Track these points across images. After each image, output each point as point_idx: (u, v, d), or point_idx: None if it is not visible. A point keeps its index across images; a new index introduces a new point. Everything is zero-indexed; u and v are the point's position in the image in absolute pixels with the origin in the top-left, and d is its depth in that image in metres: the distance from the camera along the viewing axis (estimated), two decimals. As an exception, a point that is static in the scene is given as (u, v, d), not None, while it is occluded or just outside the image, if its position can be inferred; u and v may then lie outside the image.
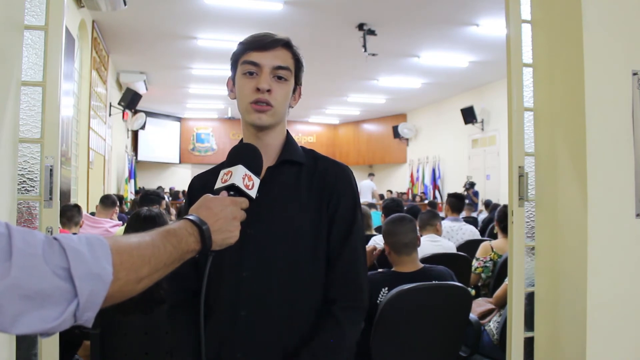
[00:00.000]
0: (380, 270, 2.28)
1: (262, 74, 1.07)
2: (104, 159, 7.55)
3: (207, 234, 0.84)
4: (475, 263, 3.15)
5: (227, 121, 14.71)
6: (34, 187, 1.50)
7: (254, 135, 1.13)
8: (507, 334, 1.79)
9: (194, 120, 15.01)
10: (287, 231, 1.09)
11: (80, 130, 6.05)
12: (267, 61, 1.08)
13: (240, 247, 1.02)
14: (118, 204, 4.51)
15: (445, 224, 4.08)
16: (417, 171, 13.13)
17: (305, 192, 1.12)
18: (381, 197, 11.28)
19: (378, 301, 1.96)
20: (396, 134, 13.66)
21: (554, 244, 1.75)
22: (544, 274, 1.78)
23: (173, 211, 5.55)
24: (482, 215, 6.93)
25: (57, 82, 1.50)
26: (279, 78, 1.09)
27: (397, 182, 14.14)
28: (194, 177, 1.25)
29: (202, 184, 1.16)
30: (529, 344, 1.78)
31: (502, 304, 2.60)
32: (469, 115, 10.26)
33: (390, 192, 12.20)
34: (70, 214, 3.38)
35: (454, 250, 3.35)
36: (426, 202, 9.35)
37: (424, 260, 2.54)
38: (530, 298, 1.79)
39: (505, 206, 2.95)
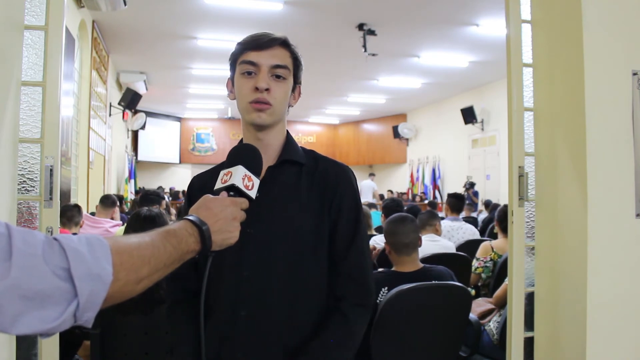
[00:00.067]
0: (380, 270, 2.28)
1: (260, 74, 1.08)
2: (104, 159, 7.55)
3: (207, 235, 0.84)
4: (475, 263, 3.15)
5: (227, 121, 14.71)
6: (34, 187, 1.50)
7: (254, 135, 1.13)
8: (507, 334, 1.79)
9: (194, 120, 15.01)
10: (287, 231, 1.10)
11: (80, 130, 6.05)
12: (264, 60, 1.08)
13: (241, 247, 1.02)
14: (118, 204, 4.51)
15: (446, 224, 4.09)
16: (417, 171, 13.13)
17: (305, 192, 1.12)
18: (381, 197, 11.28)
19: (378, 301, 1.96)
20: (396, 134, 13.66)
21: (554, 244, 1.75)
22: (544, 274, 1.78)
23: (173, 211, 5.55)
24: (482, 215, 6.93)
25: (57, 82, 1.50)
26: (277, 77, 1.09)
27: (397, 182, 14.14)
28: (194, 177, 1.25)
29: (202, 184, 1.16)
30: (529, 344, 1.78)
31: (502, 304, 2.60)
32: (469, 115, 10.26)
33: (391, 192, 12.19)
34: (70, 214, 3.38)
35: (454, 250, 3.35)
36: (426, 202, 9.35)
37: (424, 260, 2.54)
38: (530, 298, 1.79)
39: (505, 206, 2.95)
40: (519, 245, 1.77)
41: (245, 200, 0.94)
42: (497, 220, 3.24)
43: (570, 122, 1.68)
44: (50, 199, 1.49)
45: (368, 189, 11.76)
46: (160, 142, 13.99)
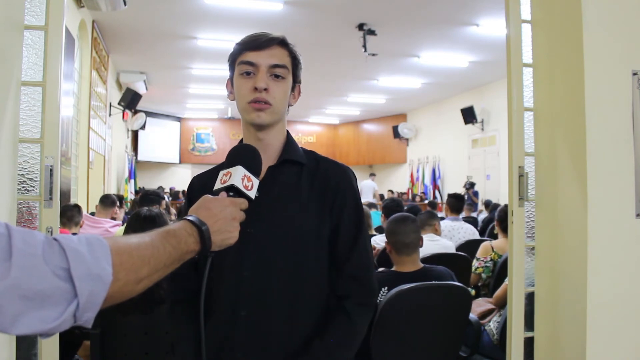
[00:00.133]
0: (380, 269, 2.29)
1: (259, 73, 1.08)
2: (104, 159, 7.55)
3: (206, 235, 0.84)
4: (475, 263, 3.15)
5: (227, 121, 14.71)
6: (34, 187, 1.50)
7: (254, 135, 1.13)
8: (507, 334, 1.79)
9: (194, 120, 15.01)
10: (287, 231, 1.10)
11: (80, 130, 6.05)
12: (263, 60, 1.08)
13: (241, 247, 1.02)
14: (118, 203, 4.51)
15: (446, 224, 4.10)
16: (417, 171, 13.13)
17: (306, 192, 1.12)
18: (381, 197, 11.28)
19: (378, 301, 1.96)
20: (396, 134, 13.66)
21: (554, 244, 1.75)
22: (544, 274, 1.78)
23: (173, 211, 5.55)
24: (482, 215, 6.93)
25: (57, 82, 1.50)
26: (276, 76, 1.09)
27: (397, 182, 14.14)
28: (194, 177, 1.25)
29: (202, 185, 1.16)
30: (529, 344, 1.78)
31: (502, 304, 2.60)
32: (469, 115, 10.26)
33: (392, 192, 12.19)
34: (70, 214, 3.38)
35: (454, 250, 3.36)
36: (426, 202, 9.35)
37: (424, 260, 2.54)
38: (530, 298, 1.79)
39: (505, 206, 2.95)
40: (519, 245, 1.77)
41: (244, 200, 0.94)
42: (497, 220, 3.24)
43: (570, 122, 1.68)
44: (50, 199, 1.49)
45: (369, 189, 11.75)
46: (160, 142, 13.99)
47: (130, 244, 0.72)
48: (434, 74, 9.35)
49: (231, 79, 1.15)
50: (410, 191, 12.97)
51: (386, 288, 1.99)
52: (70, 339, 2.15)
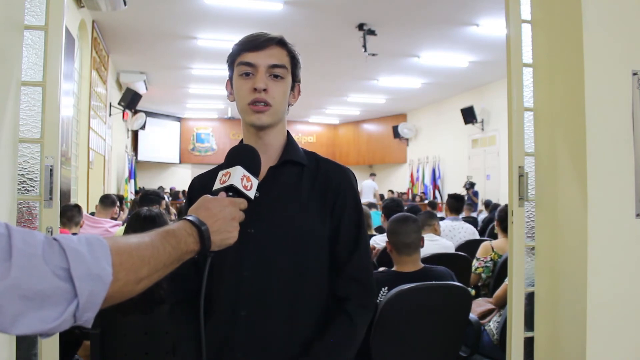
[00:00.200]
0: (380, 269, 2.29)
1: (257, 74, 1.08)
2: (104, 159, 7.55)
3: (206, 235, 0.84)
4: (475, 263, 3.15)
5: (227, 121, 14.71)
6: (34, 187, 1.50)
7: (254, 136, 1.13)
8: (507, 334, 1.79)
9: (194, 120, 15.01)
10: (287, 231, 1.10)
11: (80, 130, 6.05)
12: (261, 61, 1.08)
13: (241, 247, 1.02)
14: (119, 203, 4.51)
15: (446, 224, 4.10)
16: (417, 171, 13.13)
17: (306, 192, 1.12)
18: (381, 197, 11.28)
19: (378, 301, 1.96)
20: (396, 134, 13.66)
21: (554, 244, 1.75)
22: (544, 274, 1.78)
23: (173, 211, 5.55)
24: (482, 215, 6.93)
25: (57, 82, 1.50)
26: (275, 77, 1.09)
27: (397, 182, 14.14)
28: (194, 177, 1.25)
29: (202, 185, 1.16)
30: (529, 344, 1.78)
31: (502, 304, 2.60)
32: (469, 115, 10.26)
33: (392, 192, 12.19)
34: (70, 214, 3.38)
35: (453, 249, 3.36)
36: (426, 202, 9.35)
37: (423, 260, 2.54)
38: (530, 298, 1.79)
39: (505, 206, 2.95)
40: (519, 245, 1.77)
41: (244, 200, 0.95)
42: (497, 220, 3.24)
43: (570, 122, 1.68)
44: (50, 199, 1.49)
45: (369, 189, 11.75)
46: (160, 142, 13.99)
47: (130, 244, 0.72)
48: (434, 74, 9.35)
49: (230, 79, 1.15)
50: (410, 191, 12.97)
51: (386, 288, 1.99)
52: (70, 339, 2.15)
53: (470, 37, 6.94)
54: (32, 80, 1.50)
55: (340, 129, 16.27)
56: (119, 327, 1.82)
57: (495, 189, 9.74)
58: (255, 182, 0.98)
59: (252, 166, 1.00)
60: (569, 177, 1.68)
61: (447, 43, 7.35)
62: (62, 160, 3.69)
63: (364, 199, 9.83)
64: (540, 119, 1.80)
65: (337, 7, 6.03)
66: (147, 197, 4.07)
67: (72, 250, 0.63)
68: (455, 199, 4.52)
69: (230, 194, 0.94)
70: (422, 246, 2.16)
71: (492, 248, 3.13)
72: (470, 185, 9.28)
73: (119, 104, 8.56)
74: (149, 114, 12.12)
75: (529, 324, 1.79)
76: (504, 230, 3.07)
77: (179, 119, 14.84)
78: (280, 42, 1.12)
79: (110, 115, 8.27)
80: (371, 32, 6.56)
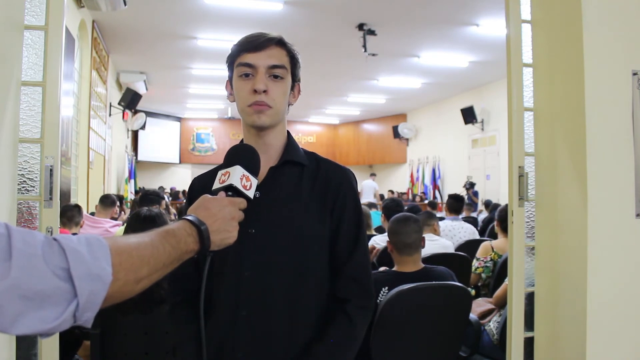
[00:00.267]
0: (381, 269, 2.29)
1: (257, 75, 1.07)
2: (104, 159, 7.55)
3: (205, 234, 0.84)
4: (475, 263, 3.15)
5: (227, 121, 14.71)
6: (34, 187, 1.50)
7: (254, 136, 1.13)
8: (507, 334, 1.79)
9: (194, 120, 15.01)
10: (288, 231, 1.10)
11: (80, 130, 6.05)
12: (261, 61, 1.08)
13: (241, 247, 1.02)
14: (118, 203, 4.51)
15: (446, 223, 4.10)
16: (417, 171, 13.13)
17: (307, 193, 1.12)
18: (381, 197, 11.27)
19: (378, 301, 1.96)
20: (396, 134, 13.66)
21: (554, 244, 1.75)
22: (544, 274, 1.78)
23: (173, 211, 5.55)
24: (482, 215, 6.93)
25: (57, 82, 1.50)
26: (275, 77, 1.09)
27: (397, 182, 14.14)
28: (195, 178, 1.25)
29: (203, 185, 1.16)
30: (529, 344, 1.78)
31: (502, 304, 2.60)
32: (469, 115, 10.26)
33: (392, 192, 12.19)
34: (70, 214, 3.38)
35: (453, 249, 3.36)
36: (426, 202, 9.35)
37: (423, 260, 2.54)
38: (530, 298, 1.79)
39: (505, 206, 2.95)
40: (519, 245, 1.77)
41: (243, 200, 0.95)
42: (498, 220, 3.24)
43: (570, 122, 1.68)
44: (50, 199, 1.49)
45: (369, 189, 11.75)
46: (160, 142, 13.99)
47: (130, 243, 0.72)
48: (434, 74, 9.35)
49: (230, 80, 1.15)
50: (410, 191, 12.97)
51: (386, 288, 1.99)
52: (70, 339, 2.16)
53: (470, 37, 6.94)
54: (32, 80, 1.50)
55: (340, 129, 16.27)
56: (119, 327, 1.82)
57: (495, 189, 9.74)
58: (254, 181, 0.98)
59: (252, 166, 1.00)
60: (569, 177, 1.68)
61: (447, 43, 7.35)
62: (62, 160, 3.69)
63: (365, 199, 9.82)
64: (540, 119, 1.80)
65: (337, 7, 6.03)
66: (147, 197, 4.07)
67: (72, 250, 0.63)
68: (455, 199, 4.53)
69: (229, 193, 0.94)
70: (423, 246, 2.16)
71: (492, 248, 3.13)
72: (470, 185, 9.28)
73: (119, 104, 8.56)
74: (149, 114, 12.13)
75: (529, 324, 1.79)
76: (504, 230, 3.07)
77: (179, 119, 14.84)
78: (280, 42, 1.11)
79: (110, 115, 8.27)
80: (371, 32, 6.56)
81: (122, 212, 4.89)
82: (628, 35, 1.65)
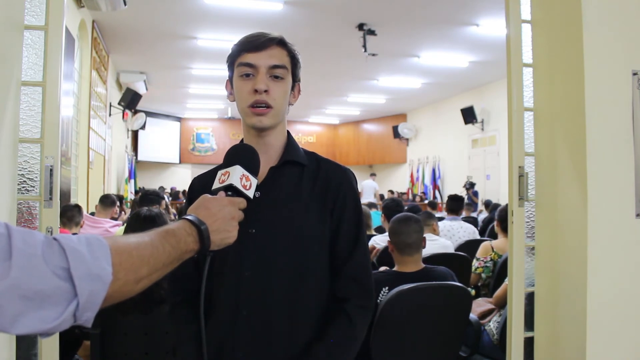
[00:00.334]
0: (381, 269, 2.29)
1: (258, 75, 1.07)
2: (104, 159, 7.55)
3: (205, 234, 0.84)
4: (475, 263, 3.15)
5: (227, 121, 14.71)
6: (34, 187, 1.50)
7: (255, 136, 1.13)
8: (507, 334, 1.79)
9: (194, 120, 15.01)
10: (288, 231, 1.10)
11: (80, 130, 6.05)
12: (262, 61, 1.08)
13: (242, 247, 1.02)
14: (118, 203, 4.51)
15: (445, 224, 4.11)
16: (417, 171, 13.13)
17: (307, 193, 1.12)
18: (381, 197, 11.27)
19: (378, 301, 1.96)
20: (396, 134, 13.66)
21: (554, 244, 1.75)
22: (544, 274, 1.78)
23: (172, 211, 5.55)
24: (482, 215, 6.93)
25: (57, 82, 1.50)
26: (276, 77, 1.09)
27: (397, 182, 14.14)
28: (195, 177, 1.25)
29: (202, 185, 1.16)
30: (529, 344, 1.78)
31: (502, 304, 2.60)
32: (469, 115, 10.26)
33: (392, 192, 12.19)
34: (70, 214, 3.38)
35: (452, 249, 3.36)
36: (426, 202, 9.35)
37: (424, 260, 2.54)
38: (530, 298, 1.79)
39: (505, 206, 2.95)
40: (519, 245, 1.77)
41: (243, 200, 0.95)
42: (497, 220, 3.24)
43: (570, 122, 1.68)
44: (50, 199, 1.49)
45: (370, 189, 11.75)
46: (160, 142, 13.99)
47: (130, 243, 0.72)
48: (434, 74, 9.35)
49: (230, 79, 1.15)
50: (410, 191, 12.97)
51: (387, 288, 1.99)
52: (70, 339, 2.16)
53: (470, 37, 6.94)
54: (32, 80, 1.50)
55: (340, 129, 16.27)
56: (119, 327, 1.82)
57: (495, 189, 9.74)
58: (254, 181, 0.98)
59: (251, 166, 1.00)
60: (569, 177, 1.68)
61: (447, 43, 7.35)
62: (62, 160, 3.69)
63: (365, 199, 9.82)
64: (540, 119, 1.80)
65: (337, 7, 6.03)
66: (147, 197, 4.07)
67: (72, 250, 0.63)
68: (453, 199, 4.55)
69: (229, 193, 0.94)
70: (424, 247, 2.16)
71: (492, 248, 3.13)
72: (470, 185, 9.28)
73: (119, 104, 8.56)
74: (149, 114, 12.13)
75: (529, 324, 1.79)
76: (504, 230, 3.07)
77: (179, 119, 14.84)
78: (281, 42, 1.11)
79: (110, 115, 8.27)
80: (371, 32, 6.56)
81: (122, 212, 4.89)
82: (628, 35, 1.65)
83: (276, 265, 1.08)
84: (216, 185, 0.97)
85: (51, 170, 1.48)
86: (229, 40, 6.32)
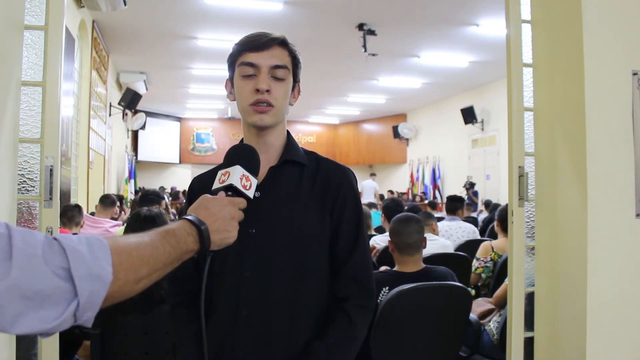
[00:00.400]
0: (382, 269, 2.29)
1: (260, 75, 1.07)
2: (104, 159, 7.55)
3: (205, 234, 0.84)
4: (475, 263, 3.15)
5: (227, 121, 14.71)
6: (34, 187, 1.50)
7: (255, 136, 1.13)
8: (507, 334, 1.79)
9: (194, 120, 15.01)
10: (288, 231, 1.10)
11: (80, 130, 6.05)
12: (264, 61, 1.08)
13: (242, 247, 1.02)
14: (118, 203, 4.51)
15: (443, 224, 4.11)
16: (417, 171, 13.13)
17: (307, 192, 1.12)
18: (381, 197, 11.27)
19: (378, 301, 1.96)
20: (396, 134, 13.66)
21: (554, 244, 1.75)
22: (544, 274, 1.78)
23: (172, 211, 5.55)
24: (482, 215, 6.93)
25: (57, 82, 1.50)
26: (278, 77, 1.09)
27: (397, 182, 14.14)
28: (195, 177, 1.25)
29: (202, 185, 1.16)
30: (529, 344, 1.78)
31: (502, 304, 2.60)
32: (469, 115, 10.26)
33: (391, 192, 12.19)
34: (71, 214, 3.38)
35: (452, 249, 3.36)
36: (426, 202, 9.35)
37: (424, 260, 2.54)
38: (530, 298, 1.79)
39: (505, 206, 2.95)
40: (519, 245, 1.77)
41: (243, 200, 0.95)
42: (498, 220, 3.24)
43: (570, 122, 1.68)
44: (50, 199, 1.49)
45: (370, 189, 11.75)
46: (160, 142, 13.99)
47: (130, 243, 0.72)
48: (434, 74, 9.35)
49: (231, 79, 1.15)
50: (410, 191, 12.97)
51: (387, 288, 1.99)
52: (70, 339, 2.15)
53: (470, 37, 6.94)
54: (32, 80, 1.50)
55: (340, 129, 16.27)
56: (119, 327, 1.82)
57: (495, 189, 9.74)
58: (254, 181, 0.98)
59: (251, 166, 1.00)
60: (569, 177, 1.68)
61: (447, 43, 7.35)
62: (62, 160, 3.69)
63: (365, 199, 9.83)
64: (540, 119, 1.80)
65: (337, 7, 6.03)
66: (147, 197, 4.07)
67: (72, 250, 0.63)
68: (452, 200, 4.56)
69: (229, 193, 0.94)
70: (425, 247, 2.16)
71: (492, 248, 3.13)
72: (470, 185, 9.28)
73: (119, 104, 8.56)
74: (149, 114, 12.12)
75: (529, 324, 1.79)
76: (504, 230, 3.07)
77: (179, 119, 14.84)
78: (282, 43, 1.11)
79: (110, 115, 8.27)
80: (371, 32, 6.56)
81: (122, 212, 4.89)
82: (628, 35, 1.65)
83: (276, 265, 1.08)
84: (216, 185, 0.97)
85: (51, 170, 1.48)
86: (229, 40, 6.33)
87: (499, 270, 2.96)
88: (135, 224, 2.09)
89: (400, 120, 13.85)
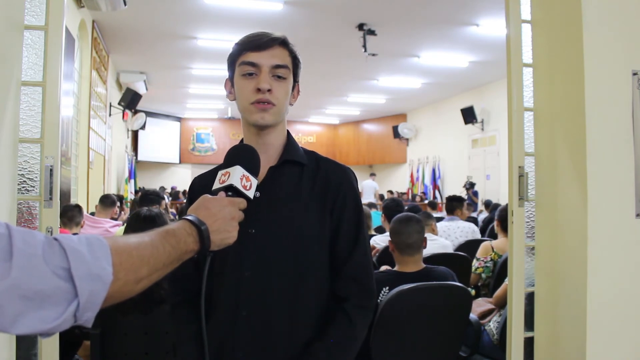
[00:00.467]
0: (382, 269, 2.29)
1: (261, 74, 1.07)
2: (104, 159, 7.55)
3: (205, 234, 0.84)
4: (475, 263, 3.15)
5: (227, 121, 14.71)
6: (34, 187, 1.50)
7: (255, 135, 1.13)
8: (507, 334, 1.79)
9: (194, 120, 15.02)
10: (288, 231, 1.10)
11: (80, 130, 6.05)
12: (265, 61, 1.08)
13: (242, 247, 1.02)
14: (118, 203, 4.51)
15: (442, 224, 4.11)
16: (417, 171, 13.13)
17: (307, 192, 1.12)
18: (381, 197, 11.27)
19: (378, 301, 1.96)
20: (396, 134, 13.66)
21: (554, 244, 1.75)
22: (544, 274, 1.78)
23: (172, 211, 5.55)
24: (482, 215, 6.93)
25: (57, 82, 1.50)
26: (278, 77, 1.09)
27: (397, 182, 14.14)
28: (195, 177, 1.25)
29: (203, 185, 1.16)
30: (529, 344, 1.78)
31: (502, 304, 2.60)
32: (469, 115, 10.26)
33: (391, 192, 12.19)
34: (71, 214, 3.38)
35: (451, 249, 3.36)
36: (426, 202, 9.35)
37: (424, 260, 2.54)
38: (530, 298, 1.79)
39: (506, 206, 2.95)
40: (519, 245, 1.77)
41: (243, 200, 0.95)
42: (498, 220, 3.24)
43: (570, 122, 1.68)
44: (50, 199, 1.49)
45: (370, 189, 11.75)
46: (160, 142, 13.99)
47: (130, 243, 0.72)
48: (434, 74, 9.35)
49: (231, 79, 1.15)
50: (410, 191, 12.97)
51: (387, 288, 1.99)
52: (70, 339, 2.15)
53: (470, 37, 6.94)
54: (32, 80, 1.50)
55: (340, 129, 16.27)
56: (119, 327, 1.82)
57: (495, 189, 9.74)
58: (254, 181, 0.98)
59: (252, 166, 1.00)
60: (569, 177, 1.68)
61: (447, 43, 7.35)
62: (62, 160, 3.69)
63: (365, 199, 9.83)
64: (540, 119, 1.80)
65: (337, 7, 6.03)
66: (147, 197, 4.07)
67: (73, 250, 0.63)
68: (451, 200, 4.57)
69: (229, 193, 0.94)
70: (425, 247, 2.16)
71: (492, 248, 3.13)
72: (470, 185, 9.28)
73: (119, 104, 8.56)
74: (149, 114, 12.13)
75: (529, 324, 1.79)
76: (504, 230, 3.07)
77: (179, 119, 14.84)
78: (283, 43, 1.12)
79: (110, 115, 8.27)
80: (371, 32, 6.57)
81: (122, 212, 4.89)
82: (628, 35, 1.65)
83: (276, 265, 1.08)
84: (216, 185, 0.97)
85: (51, 170, 1.48)
86: (229, 40, 6.33)
87: (499, 270, 2.96)
88: (135, 224, 2.09)
89: (400, 120, 13.85)
